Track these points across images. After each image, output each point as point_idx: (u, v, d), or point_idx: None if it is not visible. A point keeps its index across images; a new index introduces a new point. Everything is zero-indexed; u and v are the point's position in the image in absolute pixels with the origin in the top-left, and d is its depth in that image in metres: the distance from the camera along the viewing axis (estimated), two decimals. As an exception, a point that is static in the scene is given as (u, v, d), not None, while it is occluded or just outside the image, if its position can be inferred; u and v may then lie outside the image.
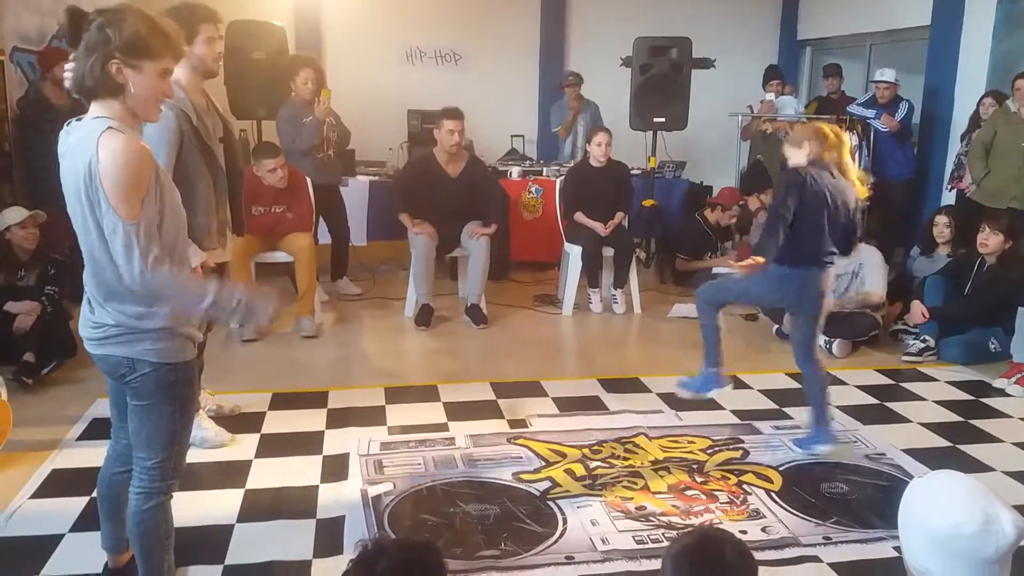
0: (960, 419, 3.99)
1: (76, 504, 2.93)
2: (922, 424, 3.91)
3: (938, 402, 4.21)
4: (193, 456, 3.29)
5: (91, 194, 1.94)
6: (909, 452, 3.56)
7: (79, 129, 1.99)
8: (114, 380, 2.17)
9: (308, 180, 5.35)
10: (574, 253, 5.71)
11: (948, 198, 6.65)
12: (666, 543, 2.77)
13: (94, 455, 3.18)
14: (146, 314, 2.05)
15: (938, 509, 1.43)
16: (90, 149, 1.92)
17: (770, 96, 7.52)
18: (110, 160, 1.91)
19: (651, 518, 2.97)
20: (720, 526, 2.91)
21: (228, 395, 3.91)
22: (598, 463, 3.39)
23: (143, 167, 1.96)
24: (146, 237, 1.95)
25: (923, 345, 4.83)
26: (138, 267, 1.93)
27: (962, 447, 3.65)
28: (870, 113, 6.85)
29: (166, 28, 2.04)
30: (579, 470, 3.33)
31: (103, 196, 1.92)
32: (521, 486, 3.18)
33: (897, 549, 2.74)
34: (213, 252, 3.23)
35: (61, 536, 2.76)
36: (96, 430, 3.52)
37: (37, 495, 3.04)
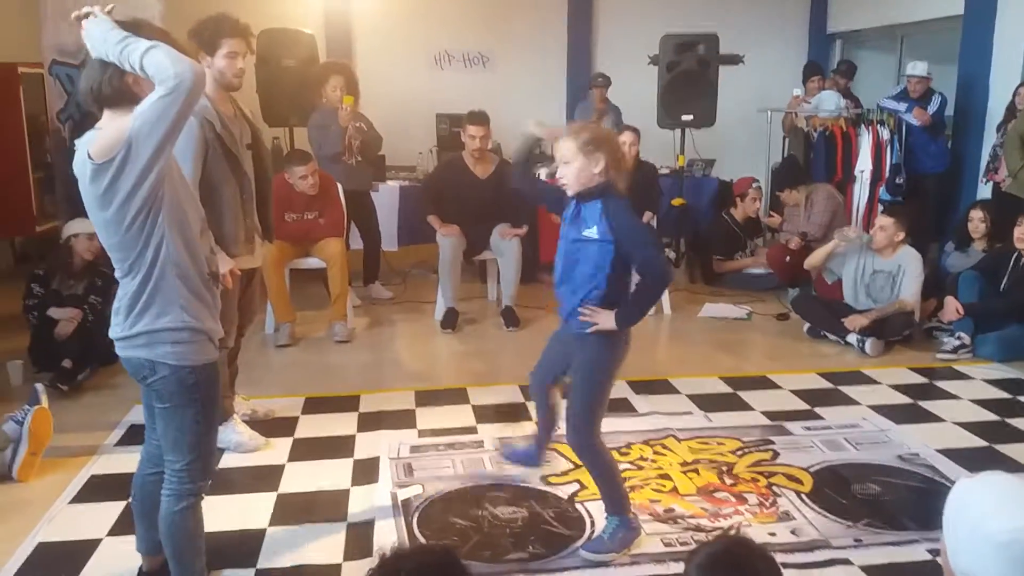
0: (997, 418, 3.92)
1: (114, 508, 3.01)
2: (957, 423, 3.85)
3: (974, 401, 4.14)
4: (228, 460, 3.40)
5: (103, 177, 2.02)
6: (944, 452, 3.51)
7: (80, 147, 2.08)
8: (138, 382, 2.25)
9: (339, 186, 5.42)
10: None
11: (983, 191, 6.53)
12: (695, 546, 2.76)
13: (131, 460, 3.23)
14: (162, 313, 2.14)
15: (997, 513, 1.37)
16: (83, 158, 2.05)
17: (798, 91, 7.45)
18: (94, 135, 2.07)
19: (679, 520, 2.97)
20: (749, 528, 2.90)
21: (262, 400, 3.98)
22: (627, 465, 3.39)
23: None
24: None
25: (958, 342, 4.75)
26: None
27: (999, 447, 3.59)
28: (902, 107, 6.75)
29: (180, 44, 2.12)
30: (607, 472, 3.33)
31: (102, 161, 2.02)
32: (549, 489, 3.20)
33: (931, 552, 2.73)
34: (241, 258, 3.28)
35: (99, 540, 2.83)
36: (134, 436, 3.60)
37: (76, 500, 3.12)
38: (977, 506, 1.41)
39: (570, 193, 2.60)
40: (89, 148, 2.04)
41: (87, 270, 4.57)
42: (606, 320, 2.58)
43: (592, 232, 2.56)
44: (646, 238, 2.60)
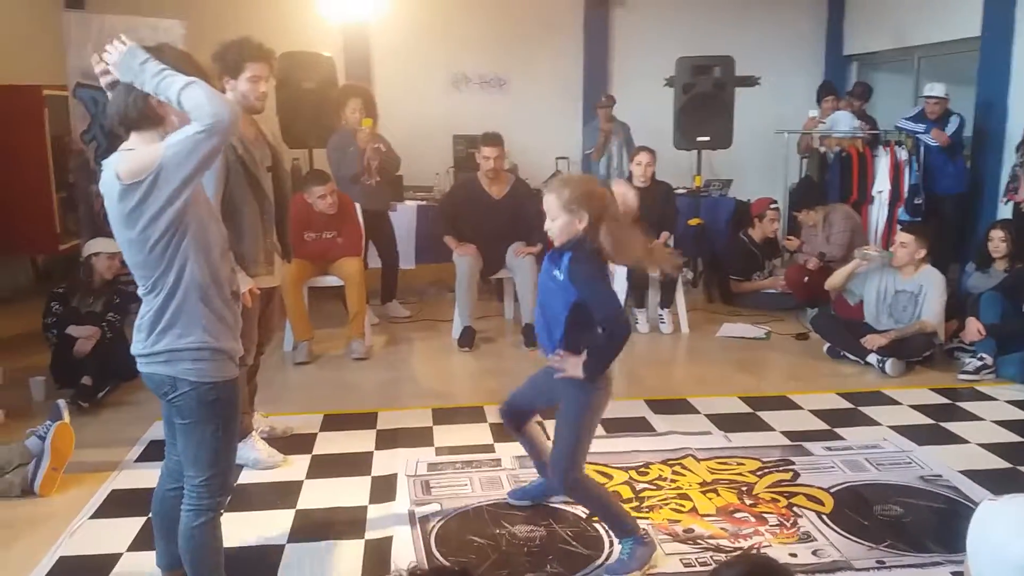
0: (1020, 439, 3.87)
1: (134, 524, 3.02)
2: (980, 445, 3.80)
3: (997, 422, 4.09)
4: (246, 477, 3.41)
5: (130, 199, 2.05)
6: (966, 474, 3.46)
7: (108, 166, 2.12)
8: (159, 398, 2.27)
9: (357, 206, 5.46)
10: (619, 273, 5.70)
11: (1004, 212, 6.50)
12: (714, 566, 2.74)
13: (152, 476, 3.25)
14: (184, 333, 2.16)
15: (1021, 536, 1.35)
16: (112, 177, 2.08)
17: (814, 112, 7.46)
18: (123, 156, 2.10)
19: (699, 541, 2.94)
20: (769, 549, 2.88)
21: (281, 417, 3.99)
22: (645, 485, 3.38)
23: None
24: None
25: (980, 363, 4.70)
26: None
27: (1023, 468, 3.54)
28: (919, 128, 6.74)
29: (202, 67, 2.16)
30: (626, 492, 3.31)
31: (131, 182, 2.05)
32: (567, 508, 3.18)
33: (954, 574, 2.69)
34: (261, 278, 3.31)
35: (119, 555, 2.84)
36: (154, 452, 3.61)
37: (97, 515, 3.14)
38: (1001, 529, 1.40)
39: (556, 244, 2.67)
40: (118, 169, 2.06)
41: (106, 288, 4.62)
42: (574, 368, 2.63)
43: (559, 275, 2.63)
44: (603, 294, 2.61)
